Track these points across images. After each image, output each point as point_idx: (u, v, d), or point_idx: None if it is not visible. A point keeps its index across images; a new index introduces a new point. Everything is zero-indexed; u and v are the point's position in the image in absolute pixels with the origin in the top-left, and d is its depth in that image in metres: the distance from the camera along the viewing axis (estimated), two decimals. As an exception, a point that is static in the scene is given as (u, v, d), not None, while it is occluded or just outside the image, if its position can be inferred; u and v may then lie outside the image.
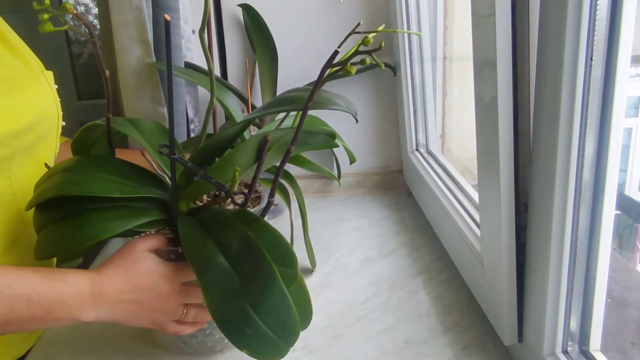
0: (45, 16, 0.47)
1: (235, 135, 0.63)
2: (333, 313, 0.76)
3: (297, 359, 0.67)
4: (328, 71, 0.51)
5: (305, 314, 0.60)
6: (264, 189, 0.78)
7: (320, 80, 0.52)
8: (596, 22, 0.44)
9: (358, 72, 1.09)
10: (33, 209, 0.58)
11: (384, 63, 1.28)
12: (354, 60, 0.50)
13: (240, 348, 0.50)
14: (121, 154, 0.65)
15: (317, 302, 0.79)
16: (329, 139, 0.61)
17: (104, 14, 1.01)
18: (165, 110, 0.97)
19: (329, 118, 0.86)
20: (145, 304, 0.55)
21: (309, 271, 0.87)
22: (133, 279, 0.54)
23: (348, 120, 0.77)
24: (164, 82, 0.97)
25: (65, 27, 0.49)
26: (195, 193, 0.61)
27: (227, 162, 0.57)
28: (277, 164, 0.57)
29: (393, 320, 0.74)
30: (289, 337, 0.52)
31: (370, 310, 0.76)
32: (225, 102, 0.83)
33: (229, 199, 0.56)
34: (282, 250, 0.54)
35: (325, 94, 0.62)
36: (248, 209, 0.71)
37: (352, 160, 0.88)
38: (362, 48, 0.49)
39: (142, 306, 0.55)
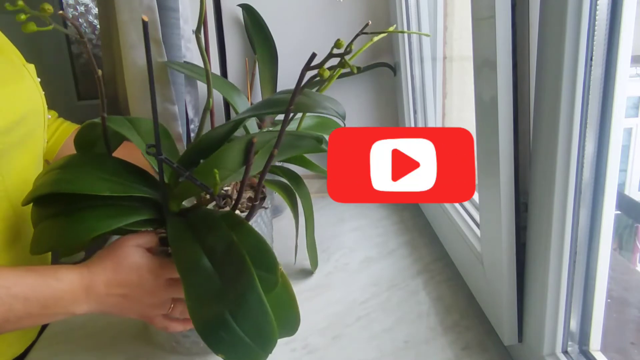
0: (23, 17, 0.47)
1: (225, 136, 0.62)
2: (333, 313, 0.76)
3: (297, 359, 0.67)
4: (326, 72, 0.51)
5: (291, 320, 0.59)
6: (268, 190, 0.78)
7: (301, 84, 0.51)
8: (596, 22, 0.44)
9: (352, 73, 1.08)
10: (31, 204, 0.59)
11: (383, 63, 1.27)
12: (339, 63, 0.49)
13: (217, 352, 0.50)
14: (126, 148, 0.65)
15: (317, 302, 0.79)
16: (316, 142, 0.61)
17: (105, 14, 1.01)
18: (176, 108, 0.97)
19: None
20: (133, 297, 0.56)
21: (309, 273, 0.86)
22: (120, 272, 0.55)
23: (350, 120, 0.77)
24: (173, 82, 0.97)
25: (49, 27, 0.49)
26: (184, 194, 0.60)
27: (212, 163, 0.56)
28: (276, 166, 0.56)
29: (393, 320, 0.74)
30: (265, 344, 0.51)
31: (370, 310, 0.76)
32: (234, 101, 0.83)
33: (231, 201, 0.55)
34: (264, 255, 0.53)
35: (315, 96, 0.61)
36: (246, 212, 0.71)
37: None
38: (335, 51, 0.49)
39: (130, 299, 0.56)
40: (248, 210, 0.61)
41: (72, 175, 0.56)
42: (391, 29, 0.54)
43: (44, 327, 0.74)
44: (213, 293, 0.50)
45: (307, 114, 0.83)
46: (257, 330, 0.50)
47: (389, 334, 0.71)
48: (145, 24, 0.48)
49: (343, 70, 0.51)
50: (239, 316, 0.49)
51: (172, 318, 0.60)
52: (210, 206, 0.72)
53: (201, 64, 1.07)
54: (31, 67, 0.72)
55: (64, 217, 0.55)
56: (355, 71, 0.50)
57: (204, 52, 0.58)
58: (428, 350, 0.67)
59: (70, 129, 0.88)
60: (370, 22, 0.53)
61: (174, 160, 0.56)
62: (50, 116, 0.80)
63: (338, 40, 0.48)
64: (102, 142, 0.66)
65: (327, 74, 0.49)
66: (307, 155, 0.82)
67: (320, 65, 0.49)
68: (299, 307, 0.58)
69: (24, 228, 0.68)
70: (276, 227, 1.04)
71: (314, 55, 0.49)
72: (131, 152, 0.67)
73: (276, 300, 0.54)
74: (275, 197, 1.04)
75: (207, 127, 0.70)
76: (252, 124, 0.84)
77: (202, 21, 0.56)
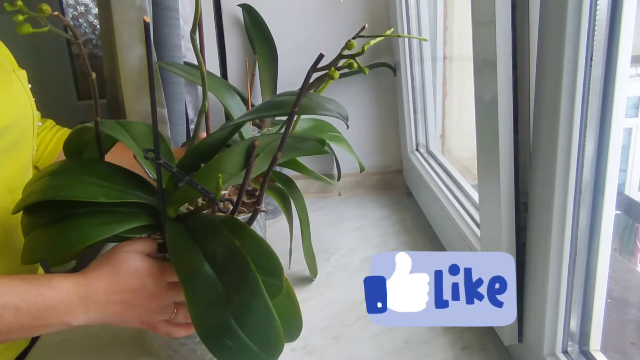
0: (20, 17, 0.46)
1: (224, 140, 0.61)
2: (333, 313, 0.76)
3: (297, 359, 0.67)
4: (327, 74, 0.50)
5: (294, 325, 0.58)
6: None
7: (307, 85, 0.50)
8: (596, 22, 0.44)
9: (355, 72, 1.09)
10: (21, 213, 0.57)
11: (384, 63, 1.27)
12: (341, 63, 0.49)
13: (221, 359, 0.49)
14: (118, 152, 0.64)
15: (317, 302, 0.79)
16: (319, 145, 0.60)
17: (104, 14, 1.01)
18: (165, 111, 0.97)
19: (331, 119, 0.86)
20: (134, 303, 0.54)
21: (309, 280, 0.85)
22: (119, 278, 0.53)
23: (350, 120, 0.77)
24: (165, 82, 0.97)
25: (45, 29, 0.48)
26: (182, 199, 0.59)
27: (213, 168, 0.55)
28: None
29: (393, 320, 0.74)
30: (272, 351, 0.51)
31: (370, 310, 0.76)
32: (227, 103, 0.83)
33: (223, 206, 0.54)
34: (268, 260, 0.52)
35: (316, 98, 0.60)
36: (244, 215, 0.70)
37: (361, 169, 0.88)
38: (345, 52, 0.49)
39: (131, 305, 0.54)
40: (250, 214, 0.60)
41: (63, 181, 0.55)
42: (389, 32, 0.53)
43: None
44: (216, 299, 0.49)
45: (302, 116, 0.82)
46: (263, 336, 0.50)
47: (389, 334, 0.71)
48: (146, 25, 0.47)
49: (342, 71, 0.50)
50: (244, 322, 0.49)
51: (175, 323, 0.58)
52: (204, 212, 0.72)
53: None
54: (22, 73, 0.69)
55: (56, 225, 0.53)
56: (366, 72, 0.49)
57: (199, 53, 0.57)
58: (428, 350, 0.67)
59: (66, 136, 0.86)
60: (366, 25, 0.53)
61: (171, 164, 0.55)
62: (40, 123, 0.76)
63: (349, 41, 0.48)
64: (91, 147, 0.63)
65: (337, 75, 0.48)
66: (307, 157, 0.82)
67: (328, 67, 0.49)
68: (301, 312, 0.58)
69: (11, 237, 0.67)
70: (274, 228, 1.04)
71: (321, 56, 0.49)
72: (119, 155, 0.65)
73: (279, 306, 0.52)
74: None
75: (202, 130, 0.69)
76: (245, 128, 0.83)
77: (197, 22, 0.56)
